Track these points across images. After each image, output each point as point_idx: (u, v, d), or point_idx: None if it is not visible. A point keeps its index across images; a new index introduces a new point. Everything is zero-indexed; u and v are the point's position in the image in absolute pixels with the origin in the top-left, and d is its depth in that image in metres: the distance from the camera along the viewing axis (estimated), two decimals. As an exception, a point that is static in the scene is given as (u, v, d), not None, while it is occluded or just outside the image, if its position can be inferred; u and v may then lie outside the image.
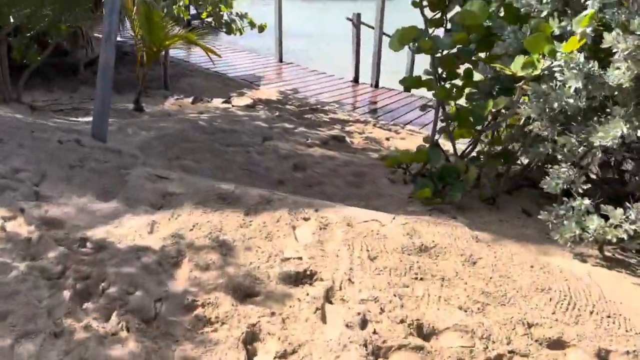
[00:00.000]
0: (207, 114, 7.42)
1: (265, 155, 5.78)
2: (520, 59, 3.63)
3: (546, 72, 3.63)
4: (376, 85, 10.48)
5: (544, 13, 3.69)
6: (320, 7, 25.61)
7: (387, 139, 7.40)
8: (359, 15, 10.44)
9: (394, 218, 3.93)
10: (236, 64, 11.50)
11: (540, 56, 3.71)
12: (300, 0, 26.23)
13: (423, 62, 11.99)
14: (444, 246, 3.58)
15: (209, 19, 8.00)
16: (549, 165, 3.69)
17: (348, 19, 10.46)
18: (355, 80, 10.76)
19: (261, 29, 8.59)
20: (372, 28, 10.35)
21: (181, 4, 7.57)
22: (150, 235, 3.49)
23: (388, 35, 10.86)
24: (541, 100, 3.61)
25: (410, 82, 4.96)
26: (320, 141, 6.68)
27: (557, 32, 3.68)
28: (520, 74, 3.66)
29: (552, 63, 3.53)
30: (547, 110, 3.60)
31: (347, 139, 7.10)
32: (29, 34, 6.08)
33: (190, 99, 8.11)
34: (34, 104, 6.86)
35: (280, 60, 12.01)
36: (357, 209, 4.13)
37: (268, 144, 6.25)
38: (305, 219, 3.84)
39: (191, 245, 3.36)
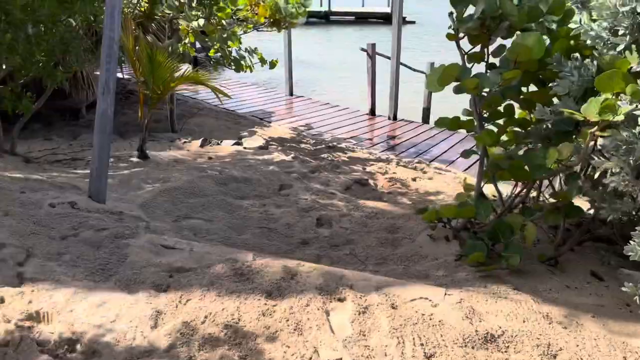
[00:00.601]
0: (217, 159, 6.84)
1: (284, 208, 5.15)
2: (595, 102, 3.01)
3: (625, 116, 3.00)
4: (394, 118, 9.90)
5: (620, 47, 3.08)
6: (328, 36, 25.35)
7: (414, 179, 6.77)
8: (373, 45, 9.93)
9: (445, 294, 3.27)
10: (245, 99, 11.01)
11: (615, 96, 3.08)
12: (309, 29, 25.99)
13: (441, 95, 11.43)
14: (514, 333, 2.91)
15: (217, 55, 7.47)
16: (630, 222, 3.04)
17: (362, 49, 9.95)
18: (372, 112, 10.19)
19: (272, 65, 8.08)
20: (388, 58, 9.83)
21: (187, 41, 7.05)
22: (154, 331, 2.85)
23: (405, 66, 10.39)
24: (622, 150, 2.97)
25: (447, 124, 4.34)
26: (343, 187, 6.07)
27: (636, 68, 3.06)
28: (596, 119, 3.03)
29: (637, 106, 2.90)
30: (631, 162, 2.96)
31: (371, 182, 6.48)
32: (21, 81, 5.56)
33: (198, 142, 7.55)
34: (29, 156, 6.31)
35: (291, 94, 11.51)
36: (399, 281, 3.47)
37: (286, 193, 5.64)
38: (340, 300, 3.19)
39: (204, 345, 2.71)
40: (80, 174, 5.96)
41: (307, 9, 7.61)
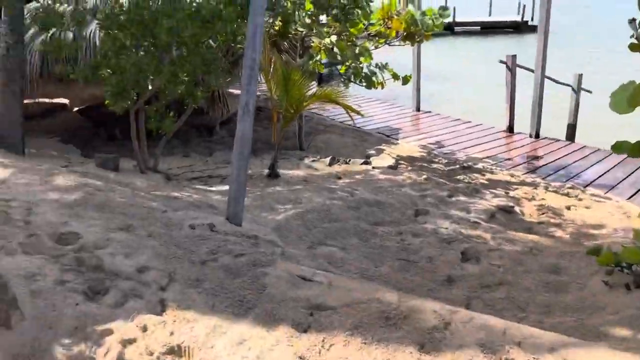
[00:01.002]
0: (347, 179, 6.59)
1: (423, 237, 4.71)
2: None
3: None
4: (536, 136, 8.99)
5: None
6: (453, 47, 24.35)
7: (568, 207, 5.96)
8: (514, 57, 9.13)
9: (643, 365, 2.62)
10: (370, 115, 10.73)
11: None
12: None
13: (588, 106, 10.24)
14: None
15: (348, 72, 7.27)
16: None
17: (501, 61, 9.20)
18: (510, 129, 9.37)
19: (406, 81, 7.70)
20: (532, 71, 8.97)
21: (318, 58, 6.93)
22: (298, 381, 2.58)
23: (550, 79, 9.43)
24: None
25: (629, 149, 3.63)
26: (486, 215, 5.48)
27: None
28: None
29: None
30: None
31: (517, 209, 5.80)
32: (164, 102, 5.76)
33: (326, 161, 7.38)
34: (170, 173, 6.55)
35: (418, 109, 11.03)
36: (577, 341, 2.88)
37: (423, 219, 5.19)
38: (508, 362, 2.68)
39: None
40: (215, 191, 6.03)
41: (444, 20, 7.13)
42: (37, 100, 9.31)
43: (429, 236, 4.74)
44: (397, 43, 7.86)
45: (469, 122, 10.15)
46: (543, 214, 5.79)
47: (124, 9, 4.94)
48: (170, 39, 4.71)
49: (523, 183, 6.82)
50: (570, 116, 9.79)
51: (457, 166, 7.49)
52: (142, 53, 5.24)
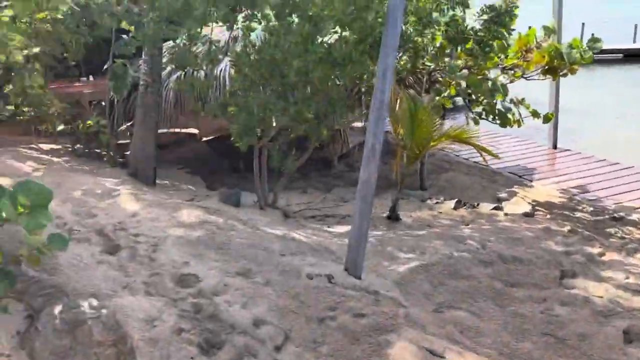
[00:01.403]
0: (475, 226, 5.99)
1: (572, 307, 4.02)
2: None
3: None
4: None
5: None
6: (592, 77, 22.22)
7: None
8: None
9: None
10: (499, 151, 9.92)
11: None
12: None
13: None
14: None
15: (479, 109, 6.72)
16: None
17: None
18: (669, 174, 8.07)
19: (547, 119, 6.96)
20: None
21: (446, 94, 6.48)
22: None
23: None
24: None
25: None
26: (650, 281, 4.58)
27: None
28: None
29: None
30: None
31: (689, 277, 4.80)
32: (287, 139, 5.68)
33: (451, 203, 6.83)
34: (288, 210, 6.45)
35: (555, 147, 9.99)
36: None
37: (570, 283, 4.47)
38: None
39: None
40: (333, 233, 5.79)
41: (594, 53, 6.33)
42: (170, 130, 9.88)
43: (580, 306, 4.03)
44: (535, 77, 7.15)
45: (617, 163, 8.94)
46: None
47: (256, 48, 4.96)
48: (298, 79, 4.61)
49: (695, 242, 5.70)
50: None
51: (606, 216, 6.51)
52: (269, 92, 5.21)
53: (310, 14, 4.41)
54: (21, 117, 7.81)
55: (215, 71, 7.03)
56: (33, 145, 7.97)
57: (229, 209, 5.89)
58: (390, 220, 6.14)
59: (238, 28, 5.22)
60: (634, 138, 12.65)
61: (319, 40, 4.43)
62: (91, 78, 9.58)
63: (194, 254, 4.45)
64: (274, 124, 5.72)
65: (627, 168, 8.68)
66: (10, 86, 7.43)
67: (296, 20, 4.48)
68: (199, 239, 4.66)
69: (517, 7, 6.19)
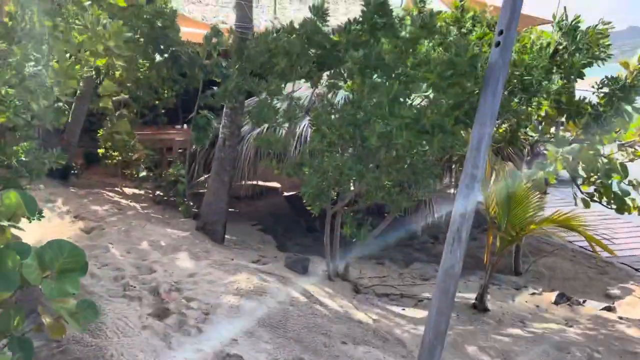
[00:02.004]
0: (580, 330, 4.99)
1: None
2: None
3: None
4: None
5: None
6: None
7: None
8: None
9: None
10: (611, 236, 8.66)
11: None
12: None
13: None
14: None
15: (590, 189, 5.81)
16: None
17: None
18: None
19: (683, 209, 5.86)
20: None
21: (551, 169, 5.65)
22: None
23: None
24: None
25: None
26: None
27: None
28: None
29: None
30: None
31: None
32: (363, 207, 5.15)
33: (552, 296, 5.85)
34: (359, 284, 5.83)
35: (680, 237, 8.57)
36: None
37: None
38: None
39: None
40: (408, 318, 5.07)
41: None
42: (252, 182, 9.75)
43: None
44: (662, 158, 6.11)
45: None
46: None
47: (337, 107, 4.58)
48: (380, 143, 4.12)
49: None
50: None
51: None
52: (347, 154, 4.77)
53: (399, 72, 3.95)
54: (109, 161, 7.98)
55: (298, 129, 6.77)
56: (117, 189, 8.11)
57: (294, 276, 5.40)
58: (476, 309, 5.31)
59: (324, 86, 4.90)
60: None
61: (407, 103, 3.93)
62: (185, 126, 9.79)
63: (245, 331, 3.97)
64: (352, 189, 5.23)
65: None
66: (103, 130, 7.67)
67: (383, 79, 4.06)
68: (254, 311, 4.19)
69: (644, 82, 5.32)
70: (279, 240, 7.93)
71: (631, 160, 6.18)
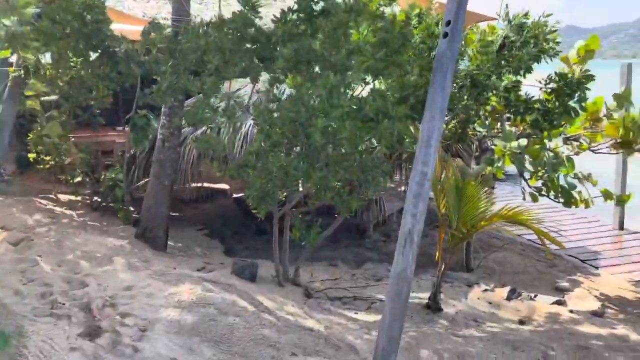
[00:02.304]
0: (534, 326, 4.97)
1: None
2: None
3: None
4: None
5: None
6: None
7: None
8: None
9: None
10: (557, 228, 8.81)
11: None
12: None
13: None
14: None
15: (538, 183, 5.82)
16: None
17: None
18: None
19: (622, 201, 5.97)
20: None
21: (500, 164, 5.62)
22: None
23: None
24: None
25: None
26: None
27: None
28: None
29: None
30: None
31: None
32: (311, 208, 4.94)
33: (504, 291, 5.82)
34: (311, 287, 5.61)
35: (621, 228, 8.81)
36: None
37: None
38: None
39: None
40: (361, 322, 4.89)
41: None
42: (199, 185, 9.34)
43: None
44: (604, 150, 6.21)
45: (699, 251, 7.70)
46: None
47: (281, 104, 4.33)
48: (325, 140, 3.91)
49: None
50: None
51: (696, 323, 5.34)
52: (294, 154, 4.54)
53: (334, 61, 3.75)
54: (41, 166, 7.43)
55: (243, 128, 6.48)
56: (52, 196, 7.56)
57: (242, 284, 5.11)
58: (429, 310, 5.19)
59: (265, 82, 4.64)
60: None
61: (347, 93, 3.74)
62: (127, 128, 9.28)
63: (186, 347, 3.66)
64: (300, 189, 5.00)
65: None
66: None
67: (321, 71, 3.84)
68: (195, 326, 3.88)
69: (592, 79, 5.34)
70: (227, 244, 7.61)
71: (577, 154, 6.25)
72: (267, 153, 4.37)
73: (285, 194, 5.05)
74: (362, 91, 4.26)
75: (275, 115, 4.23)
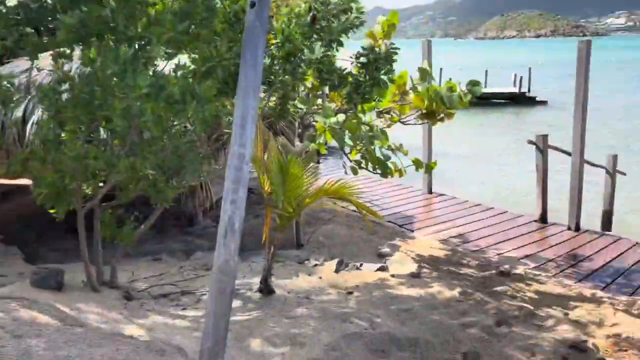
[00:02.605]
0: (361, 295, 5.14)
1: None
2: None
3: None
4: (576, 229, 7.65)
5: None
6: (477, 120, 23.32)
7: (655, 339, 4.51)
8: (545, 137, 7.98)
9: None
10: (375, 198, 9.43)
11: None
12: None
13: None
14: None
15: (357, 156, 6.00)
16: None
17: (531, 142, 8.03)
18: (543, 219, 8.04)
19: (430, 168, 6.46)
20: (568, 154, 7.78)
21: (321, 140, 5.66)
22: None
23: (591, 164, 8.29)
24: None
25: None
26: (557, 359, 4.01)
27: None
28: None
29: None
30: None
31: (590, 344, 4.34)
32: (122, 202, 4.40)
33: (332, 265, 5.95)
34: (131, 288, 5.06)
35: (430, 192, 9.74)
36: None
37: (476, 372, 3.71)
38: None
39: None
40: (190, 319, 4.54)
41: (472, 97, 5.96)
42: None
43: (494, 409, 3.24)
44: (412, 121, 6.66)
45: (491, 208, 8.84)
46: (624, 350, 4.34)
47: (70, 83, 3.67)
48: (127, 123, 3.41)
49: (582, 298, 5.39)
50: (606, 202, 8.59)
51: (493, 271, 6.08)
52: (95, 142, 3.93)
53: (131, 34, 3.27)
54: None
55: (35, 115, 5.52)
56: None
57: (45, 296, 4.37)
58: (261, 294, 5.04)
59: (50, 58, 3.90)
60: (494, 181, 13.12)
61: (147, 71, 3.28)
62: None
63: (-37, 388, 2.96)
64: (105, 182, 4.39)
65: (502, 213, 8.58)
66: None
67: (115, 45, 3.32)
68: (-23, 359, 3.17)
69: (397, 52, 5.63)
70: (29, 249, 6.55)
71: (389, 126, 6.60)
72: (59, 142, 3.70)
73: (90, 187, 4.41)
74: (165, 67, 3.82)
75: (65, 96, 3.57)
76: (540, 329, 4.55)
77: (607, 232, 7.84)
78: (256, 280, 5.30)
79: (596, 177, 9.24)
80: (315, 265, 6.04)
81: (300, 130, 6.74)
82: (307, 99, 6.21)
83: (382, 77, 5.40)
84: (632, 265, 6.39)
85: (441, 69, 26.82)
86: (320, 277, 5.71)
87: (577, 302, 5.29)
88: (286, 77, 4.68)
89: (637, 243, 7.06)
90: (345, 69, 5.04)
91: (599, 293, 5.57)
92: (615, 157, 8.50)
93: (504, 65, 45.40)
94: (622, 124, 22.06)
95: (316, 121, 5.94)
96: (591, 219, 8.54)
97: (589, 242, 7.22)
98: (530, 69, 29.00)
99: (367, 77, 4.90)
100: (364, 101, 5.39)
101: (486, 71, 30.00)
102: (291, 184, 4.72)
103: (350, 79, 4.79)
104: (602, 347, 4.39)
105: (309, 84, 6.36)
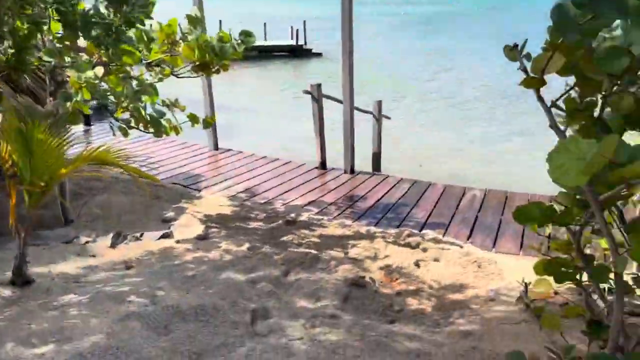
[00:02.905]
0: (142, 268, 4.68)
1: (275, 367, 3.18)
2: None
3: None
4: (352, 171, 8.21)
5: None
6: (232, 74, 23.18)
7: (417, 264, 5.09)
8: (319, 86, 8.24)
9: None
10: (158, 159, 8.79)
11: None
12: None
13: (389, 134, 10.14)
14: None
15: (127, 115, 5.36)
16: None
17: (306, 91, 8.22)
18: (323, 166, 8.44)
19: (208, 124, 6.10)
20: (340, 102, 8.19)
21: (79, 98, 4.87)
22: None
23: (360, 110, 8.86)
24: None
25: (535, 218, 2.66)
26: (339, 299, 4.21)
27: None
28: None
29: None
30: None
31: (367, 278, 4.69)
32: None
33: (107, 240, 5.32)
34: None
35: (216, 148, 9.45)
36: None
37: (265, 328, 3.66)
38: None
39: None
40: None
41: (246, 47, 5.74)
42: None
43: (283, 356, 3.22)
44: (186, 74, 6.19)
45: (277, 159, 8.97)
46: (396, 280, 4.79)
47: None
48: None
49: (359, 235, 5.80)
50: (374, 145, 9.41)
51: (280, 221, 6.15)
52: None
53: None
54: None
55: None
56: None
57: None
58: (15, 286, 4.22)
59: None
60: (275, 131, 13.47)
61: None
62: None
63: None
64: None
65: (286, 163, 8.77)
66: None
67: None
68: None
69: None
70: None
71: (160, 80, 6.03)
72: None
73: None
74: None
75: None
76: (324, 272, 4.73)
77: (376, 172, 8.62)
78: (8, 275, 4.41)
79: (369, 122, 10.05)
80: (87, 242, 5.32)
81: (53, 88, 5.73)
82: (54, 50, 5.25)
83: (137, 14, 4.78)
84: (399, 199, 7.14)
85: (220, 21, 26.21)
86: (94, 256, 5.05)
87: (355, 240, 5.66)
88: (17, 21, 3.78)
89: (401, 179, 7.90)
90: (90, 9, 4.31)
91: (373, 229, 6.06)
92: (379, 103, 9.29)
93: (284, 19, 46.70)
94: (389, 70, 24.65)
95: (69, 76, 5.07)
96: (366, 161, 9.27)
97: (362, 182, 7.84)
98: (305, 22, 30.24)
99: (119, 15, 4.26)
100: (116, 45, 4.72)
101: (265, 24, 30.37)
102: (39, 154, 3.93)
103: (97, 19, 4.10)
104: (377, 279, 4.76)
105: (58, 33, 5.37)
